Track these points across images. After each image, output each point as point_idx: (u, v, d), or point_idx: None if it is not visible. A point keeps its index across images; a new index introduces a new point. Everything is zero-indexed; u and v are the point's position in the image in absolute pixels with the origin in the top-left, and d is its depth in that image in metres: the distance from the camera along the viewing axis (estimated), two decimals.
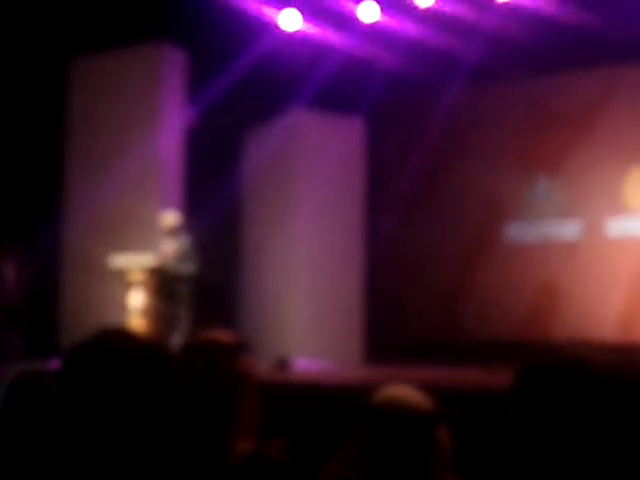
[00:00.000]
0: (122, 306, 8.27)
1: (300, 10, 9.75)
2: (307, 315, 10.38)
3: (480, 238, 10.67)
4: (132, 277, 8.23)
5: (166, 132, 9.50)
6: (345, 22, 9.75)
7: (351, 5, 9.72)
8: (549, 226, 10.40)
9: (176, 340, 7.88)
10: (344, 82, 10.04)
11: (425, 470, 1.82)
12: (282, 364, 8.49)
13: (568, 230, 10.29)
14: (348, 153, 10.85)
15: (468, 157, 10.68)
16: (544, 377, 1.51)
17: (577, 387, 1.49)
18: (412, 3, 9.51)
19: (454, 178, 10.78)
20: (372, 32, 9.74)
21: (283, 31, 9.78)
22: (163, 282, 8.27)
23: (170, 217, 8.67)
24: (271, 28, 9.71)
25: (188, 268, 8.39)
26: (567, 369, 1.51)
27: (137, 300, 8.21)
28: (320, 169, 10.49)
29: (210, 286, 8.92)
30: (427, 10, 9.48)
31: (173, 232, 8.57)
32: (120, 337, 1.50)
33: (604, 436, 1.46)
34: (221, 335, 2.14)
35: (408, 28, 9.59)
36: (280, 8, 9.76)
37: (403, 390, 1.91)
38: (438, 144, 10.61)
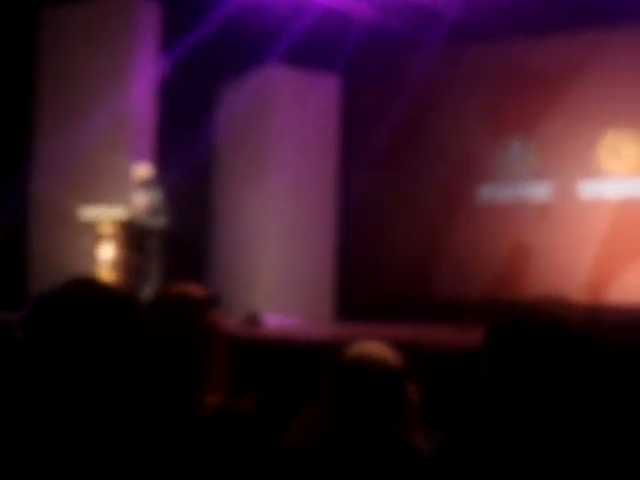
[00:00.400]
0: (92, 259, 8.22)
1: None
2: (279, 271, 10.37)
3: (453, 198, 10.68)
4: (102, 230, 8.17)
5: (138, 84, 9.36)
6: None
7: None
8: (522, 188, 10.44)
9: (146, 293, 7.85)
10: (321, 37, 9.93)
11: (394, 425, 1.82)
12: (252, 320, 8.50)
13: (540, 192, 10.33)
14: (323, 109, 10.76)
15: (444, 116, 10.64)
16: (516, 334, 1.52)
17: (549, 343, 1.49)
18: None
19: (429, 136, 10.75)
20: None
21: None
22: (133, 235, 8.21)
23: (142, 170, 8.59)
24: None
25: (159, 221, 8.34)
26: (539, 326, 1.51)
27: (107, 253, 8.15)
28: (295, 125, 10.41)
29: (181, 240, 8.88)
30: None
31: (145, 185, 8.50)
32: (90, 285, 1.48)
33: (575, 392, 1.46)
34: (191, 289, 2.12)
35: None
36: None
37: (373, 346, 1.91)
38: (414, 101, 10.55)
